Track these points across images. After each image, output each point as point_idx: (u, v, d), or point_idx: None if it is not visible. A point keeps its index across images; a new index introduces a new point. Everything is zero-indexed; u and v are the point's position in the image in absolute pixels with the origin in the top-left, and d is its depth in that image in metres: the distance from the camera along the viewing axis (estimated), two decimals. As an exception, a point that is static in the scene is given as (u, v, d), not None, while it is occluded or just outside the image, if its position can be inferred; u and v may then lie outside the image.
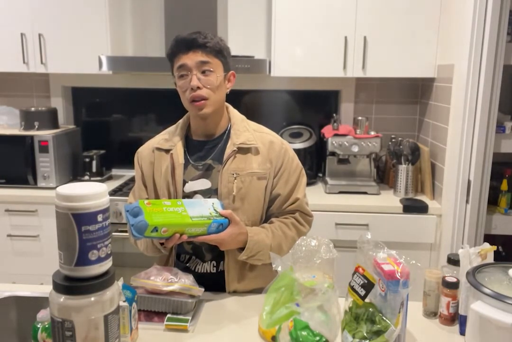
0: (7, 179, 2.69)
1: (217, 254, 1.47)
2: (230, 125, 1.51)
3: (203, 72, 1.39)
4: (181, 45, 1.39)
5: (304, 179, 1.55)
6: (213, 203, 1.36)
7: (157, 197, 1.51)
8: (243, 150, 1.46)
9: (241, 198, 1.44)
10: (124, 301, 1.13)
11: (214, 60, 1.40)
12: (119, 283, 1.15)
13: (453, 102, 2.31)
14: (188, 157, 1.50)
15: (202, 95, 1.39)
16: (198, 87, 1.38)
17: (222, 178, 1.44)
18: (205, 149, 1.50)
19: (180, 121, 1.56)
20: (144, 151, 1.56)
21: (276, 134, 1.56)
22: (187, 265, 1.51)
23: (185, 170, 1.48)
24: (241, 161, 1.45)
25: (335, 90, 3.02)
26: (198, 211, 1.30)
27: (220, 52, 1.42)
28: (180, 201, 1.32)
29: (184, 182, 1.47)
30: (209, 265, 1.49)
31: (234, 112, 1.54)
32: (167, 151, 1.49)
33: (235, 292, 1.48)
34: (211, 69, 1.39)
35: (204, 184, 1.47)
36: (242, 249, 1.39)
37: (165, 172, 1.48)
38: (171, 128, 1.57)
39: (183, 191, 1.46)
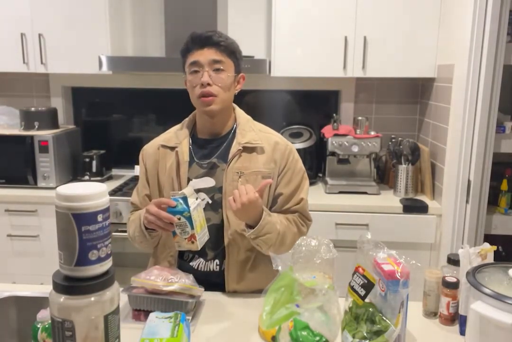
0: (7, 179, 2.69)
1: (220, 252, 1.47)
2: (236, 125, 1.52)
3: (215, 70, 1.41)
4: (196, 42, 1.41)
5: (307, 182, 1.55)
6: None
7: (160, 194, 1.51)
8: (248, 149, 1.47)
9: None
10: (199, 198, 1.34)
11: (226, 60, 1.43)
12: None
13: (453, 102, 2.31)
14: (193, 155, 1.50)
15: (211, 92, 1.40)
16: (208, 84, 1.40)
17: (227, 176, 1.45)
18: (210, 148, 1.51)
19: (186, 119, 1.58)
20: (149, 149, 1.57)
21: (281, 136, 1.57)
22: (191, 263, 1.50)
23: (190, 168, 1.48)
24: (246, 160, 1.46)
25: (335, 90, 3.02)
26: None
27: (233, 53, 1.45)
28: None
29: (188, 180, 1.47)
30: (213, 264, 1.49)
31: (240, 113, 1.56)
32: (173, 148, 1.50)
33: (235, 292, 1.48)
34: (223, 68, 1.41)
35: (208, 182, 1.47)
36: (251, 227, 1.36)
37: (169, 169, 1.48)
38: (177, 126, 1.58)
39: None
